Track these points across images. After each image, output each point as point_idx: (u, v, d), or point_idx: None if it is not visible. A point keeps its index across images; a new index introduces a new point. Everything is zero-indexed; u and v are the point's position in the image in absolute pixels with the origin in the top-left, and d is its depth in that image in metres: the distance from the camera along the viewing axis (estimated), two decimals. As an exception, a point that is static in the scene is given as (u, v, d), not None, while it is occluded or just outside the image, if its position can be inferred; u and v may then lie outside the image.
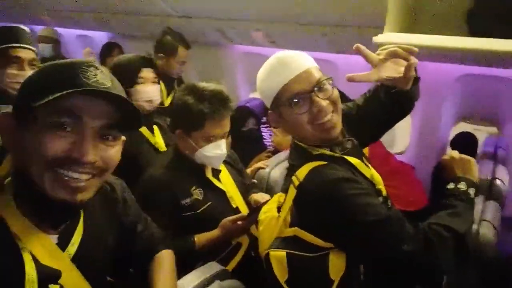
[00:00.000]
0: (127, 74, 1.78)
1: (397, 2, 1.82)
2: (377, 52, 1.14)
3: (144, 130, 1.86)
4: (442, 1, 1.91)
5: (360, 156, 1.20)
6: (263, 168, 1.96)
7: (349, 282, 1.07)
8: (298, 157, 1.17)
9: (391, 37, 1.82)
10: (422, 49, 1.79)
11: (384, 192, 1.20)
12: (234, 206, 1.60)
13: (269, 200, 1.54)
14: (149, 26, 3.17)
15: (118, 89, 0.81)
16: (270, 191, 1.88)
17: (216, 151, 1.49)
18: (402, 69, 1.12)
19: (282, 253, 1.13)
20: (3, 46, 1.55)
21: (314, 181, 1.06)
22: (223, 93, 1.50)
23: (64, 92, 0.72)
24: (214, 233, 1.48)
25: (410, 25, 1.96)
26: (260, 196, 1.64)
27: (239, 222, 1.48)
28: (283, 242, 1.16)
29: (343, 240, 1.06)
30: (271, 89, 1.11)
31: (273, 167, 1.97)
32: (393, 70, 1.13)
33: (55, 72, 0.77)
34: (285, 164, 2.03)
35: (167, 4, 2.83)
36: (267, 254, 1.16)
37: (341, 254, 1.07)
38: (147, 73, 1.84)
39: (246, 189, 1.75)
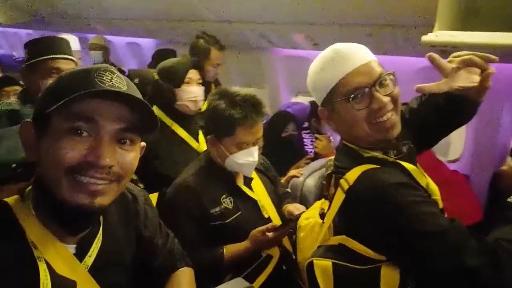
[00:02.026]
0: (176, 75, 1.86)
1: (447, -2, 1.68)
2: (449, 59, 1.03)
3: (180, 131, 1.86)
4: (499, -5, 1.73)
5: (414, 163, 1.10)
6: (297, 176, 1.88)
7: None
8: (346, 159, 1.08)
9: (442, 36, 1.68)
10: (476, 48, 1.63)
11: (441, 204, 1.08)
12: (266, 216, 1.54)
13: (303, 212, 1.47)
14: (192, 32, 3.20)
15: (136, 93, 0.79)
16: (304, 200, 1.80)
17: (247, 158, 1.44)
18: (476, 78, 1.01)
19: (328, 262, 1.04)
20: (42, 57, 1.55)
21: (367, 184, 0.97)
22: (255, 98, 1.44)
23: (76, 94, 0.71)
24: (244, 244, 1.43)
25: (463, 23, 1.79)
26: (294, 207, 1.56)
27: (270, 234, 1.41)
28: (328, 251, 1.07)
29: (398, 251, 0.96)
30: (326, 82, 1.03)
31: (307, 176, 1.89)
32: (466, 79, 1.02)
33: (71, 78, 0.78)
34: (320, 173, 1.94)
35: (208, 9, 2.83)
36: (311, 262, 1.08)
37: (395, 269, 0.96)
38: (193, 74, 1.91)
39: (279, 199, 1.67)
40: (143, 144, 0.87)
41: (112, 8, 3.49)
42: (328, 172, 1.85)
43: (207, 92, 2.76)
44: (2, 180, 1.39)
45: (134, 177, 1.74)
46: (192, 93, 1.86)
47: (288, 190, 1.89)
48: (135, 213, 1.00)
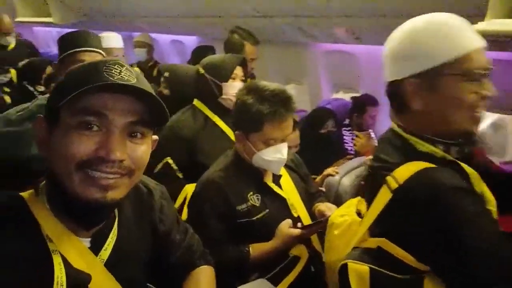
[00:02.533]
0: (223, 70, 1.88)
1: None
2: None
3: (221, 124, 1.87)
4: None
5: (472, 166, 0.98)
6: (332, 175, 1.80)
7: None
8: (395, 152, 0.97)
9: (494, 25, 1.53)
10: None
11: (495, 215, 0.95)
12: (295, 215, 1.48)
13: None
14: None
15: (146, 85, 0.78)
16: (338, 200, 1.72)
17: (275, 155, 1.39)
18: None
19: (365, 267, 0.96)
20: (70, 51, 1.58)
21: (422, 184, 0.87)
22: (285, 93, 1.39)
23: (83, 88, 0.70)
24: (271, 243, 1.38)
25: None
26: (326, 207, 1.49)
27: (296, 230, 1.36)
28: (365, 254, 0.99)
29: (445, 265, 0.87)
30: (446, 50, 0.90)
31: (343, 175, 1.80)
32: None
33: (79, 72, 0.78)
34: (358, 171, 1.84)
35: (248, 4, 2.80)
36: (345, 265, 1.00)
37: (439, 281, 0.88)
38: (239, 70, 1.92)
39: (310, 197, 1.61)
40: (155, 137, 0.86)
41: (156, 6, 3.57)
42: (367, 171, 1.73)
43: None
44: (38, 173, 1.45)
45: (174, 166, 1.76)
46: (236, 89, 1.86)
47: (322, 189, 1.82)
48: (149, 207, 0.98)
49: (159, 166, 1.77)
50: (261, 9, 2.82)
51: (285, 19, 2.79)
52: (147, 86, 0.78)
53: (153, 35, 4.60)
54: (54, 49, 7.10)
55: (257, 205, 1.41)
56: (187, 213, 1.48)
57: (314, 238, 1.48)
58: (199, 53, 3.64)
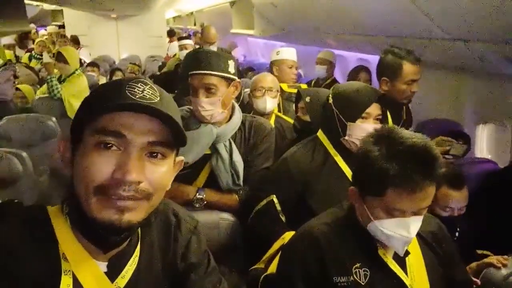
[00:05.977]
0: (353, 107, 1.59)
1: None
2: None
3: (344, 165, 1.60)
4: None
5: None
6: (496, 266, 1.30)
7: None
8: None
9: None
10: None
11: None
12: (419, 310, 1.11)
13: None
14: (417, 50, 2.78)
15: (168, 105, 0.76)
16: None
17: (398, 230, 1.05)
18: None
19: None
20: (186, 73, 1.63)
21: None
22: (428, 151, 1.02)
23: (102, 108, 0.71)
24: None
25: None
26: None
27: None
28: None
29: None
30: None
31: (515, 271, 1.28)
32: None
33: (103, 90, 0.78)
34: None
35: (436, 23, 2.37)
36: None
37: None
38: (373, 109, 1.60)
39: None
40: (181, 158, 0.83)
41: (343, 22, 3.45)
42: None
43: (398, 119, 2.28)
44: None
45: (278, 207, 1.59)
46: (365, 132, 1.54)
47: (477, 281, 1.35)
48: (175, 239, 0.90)
49: (263, 202, 1.61)
50: (454, 31, 2.34)
51: (488, 45, 2.24)
52: (171, 106, 0.76)
53: (342, 52, 4.50)
54: (260, 58, 7.86)
55: (362, 283, 1.10)
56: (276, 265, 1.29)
57: None
58: (352, 74, 3.40)
